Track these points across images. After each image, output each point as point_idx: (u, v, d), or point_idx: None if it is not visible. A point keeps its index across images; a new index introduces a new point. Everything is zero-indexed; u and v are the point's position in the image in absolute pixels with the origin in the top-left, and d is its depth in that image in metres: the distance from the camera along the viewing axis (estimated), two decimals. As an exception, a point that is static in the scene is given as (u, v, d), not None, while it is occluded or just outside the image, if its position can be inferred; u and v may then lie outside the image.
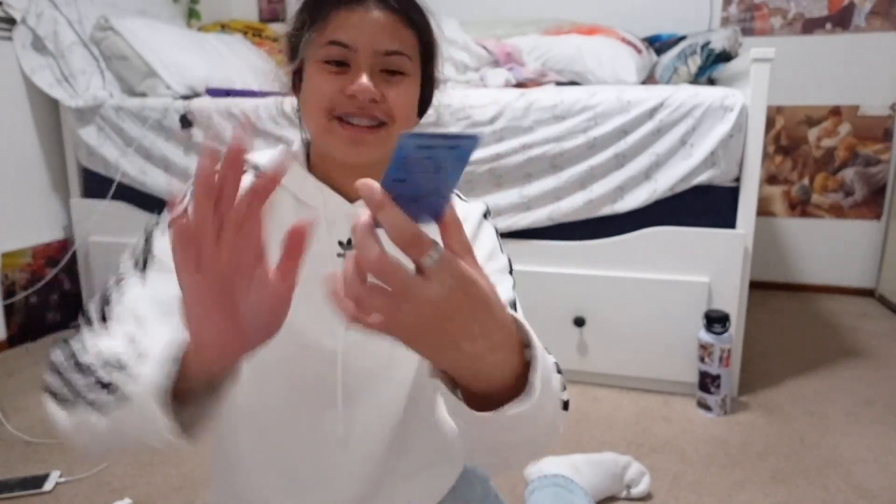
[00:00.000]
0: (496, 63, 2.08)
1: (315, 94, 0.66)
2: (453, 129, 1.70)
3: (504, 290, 0.69)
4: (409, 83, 0.68)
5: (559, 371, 0.58)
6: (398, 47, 0.66)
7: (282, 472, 0.72)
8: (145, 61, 2.09)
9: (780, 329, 2.21)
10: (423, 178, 0.38)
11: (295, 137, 0.75)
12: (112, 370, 0.53)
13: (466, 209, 0.76)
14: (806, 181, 2.61)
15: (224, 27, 2.80)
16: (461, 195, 0.78)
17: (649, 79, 2.09)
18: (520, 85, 1.96)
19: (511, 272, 0.75)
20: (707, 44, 1.94)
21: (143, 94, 2.13)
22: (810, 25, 2.49)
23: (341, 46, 0.65)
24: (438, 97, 0.76)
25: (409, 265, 0.40)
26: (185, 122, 1.95)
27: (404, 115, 0.67)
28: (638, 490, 1.26)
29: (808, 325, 2.25)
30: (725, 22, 2.55)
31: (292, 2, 3.02)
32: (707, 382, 1.57)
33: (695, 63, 1.94)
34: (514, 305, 0.69)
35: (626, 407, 1.63)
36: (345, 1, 0.66)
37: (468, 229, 0.72)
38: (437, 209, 0.41)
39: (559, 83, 1.97)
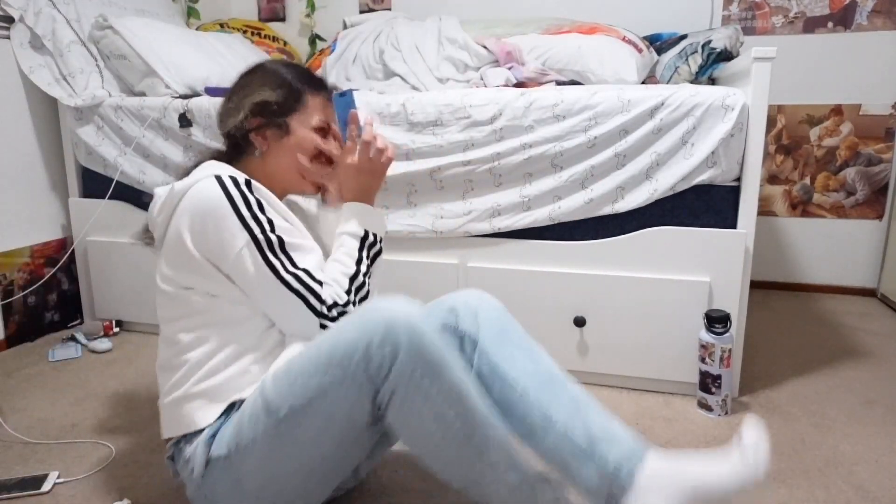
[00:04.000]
0: (496, 62, 2.07)
1: (308, 145, 1.15)
2: (452, 128, 1.70)
3: None
4: None
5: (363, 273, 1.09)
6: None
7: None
8: (144, 60, 2.08)
9: (781, 329, 2.20)
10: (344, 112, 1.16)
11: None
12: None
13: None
14: (807, 181, 2.60)
15: (223, 26, 2.79)
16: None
17: (650, 78, 2.08)
18: (520, 84, 1.96)
19: None
20: (708, 43, 1.93)
21: (141, 94, 2.12)
22: (812, 24, 2.49)
23: (325, 120, 1.17)
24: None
25: None
26: (184, 121, 1.94)
27: None
28: None
29: (809, 325, 2.24)
30: (726, 21, 2.55)
31: (292, 1, 3.01)
32: (708, 382, 1.56)
33: (695, 62, 1.93)
34: None
35: (626, 407, 1.63)
36: (322, 91, 1.19)
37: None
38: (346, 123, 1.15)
39: (559, 82, 1.96)
